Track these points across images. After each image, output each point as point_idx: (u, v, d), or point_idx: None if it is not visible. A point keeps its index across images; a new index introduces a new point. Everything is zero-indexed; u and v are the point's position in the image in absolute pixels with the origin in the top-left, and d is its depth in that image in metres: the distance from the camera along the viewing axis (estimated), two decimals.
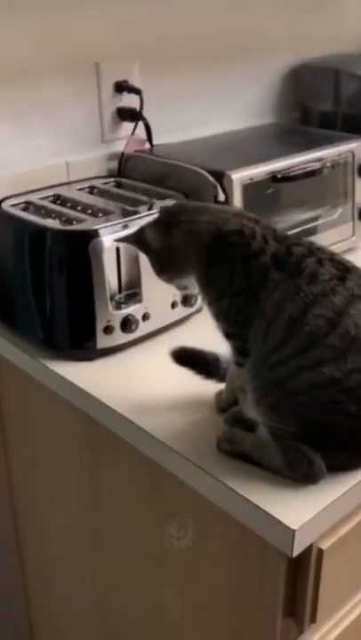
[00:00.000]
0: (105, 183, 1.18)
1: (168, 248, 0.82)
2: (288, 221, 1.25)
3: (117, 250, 0.97)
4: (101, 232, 0.96)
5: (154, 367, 0.98)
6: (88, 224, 0.99)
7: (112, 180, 1.20)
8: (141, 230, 0.84)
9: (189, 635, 0.96)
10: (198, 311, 1.08)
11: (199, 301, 1.07)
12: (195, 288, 0.84)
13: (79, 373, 0.97)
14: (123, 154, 1.24)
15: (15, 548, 1.32)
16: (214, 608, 0.89)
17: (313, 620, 0.81)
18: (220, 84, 1.40)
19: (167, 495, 0.89)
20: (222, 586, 0.86)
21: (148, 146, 1.27)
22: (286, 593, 0.78)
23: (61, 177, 1.18)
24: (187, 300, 1.07)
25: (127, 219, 0.99)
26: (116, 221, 0.98)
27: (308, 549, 0.75)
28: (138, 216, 1.00)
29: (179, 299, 1.06)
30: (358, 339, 0.71)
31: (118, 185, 1.19)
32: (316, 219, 1.29)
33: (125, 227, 0.97)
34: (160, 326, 1.05)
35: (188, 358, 0.89)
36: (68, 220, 1.03)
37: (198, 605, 0.91)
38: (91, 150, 1.23)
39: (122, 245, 0.96)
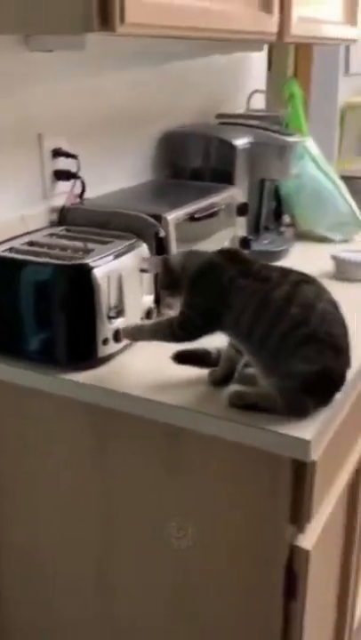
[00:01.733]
0: (60, 230, 1.43)
1: (179, 273, 1.16)
2: None
3: (108, 277, 1.23)
4: (95, 264, 1.22)
5: (144, 365, 1.25)
6: (81, 259, 1.24)
7: (62, 228, 1.46)
8: (167, 258, 1.20)
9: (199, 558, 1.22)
10: None
11: (155, 316, 1.37)
12: (177, 304, 1.18)
13: (88, 378, 1.22)
14: (64, 206, 1.50)
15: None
16: (228, 528, 1.17)
17: (308, 520, 1.13)
18: (110, 151, 1.72)
19: (184, 450, 1.16)
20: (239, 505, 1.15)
21: (78, 200, 1.55)
22: (291, 501, 1.10)
23: (19, 227, 1.42)
24: (148, 314, 1.36)
25: (110, 252, 1.27)
26: (104, 255, 1.25)
27: (310, 464, 1.07)
28: (120, 248, 1.29)
29: (144, 313, 1.35)
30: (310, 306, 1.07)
31: (69, 231, 1.44)
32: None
33: (115, 258, 1.25)
34: None
35: (187, 357, 1.21)
36: (59, 258, 1.27)
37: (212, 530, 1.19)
38: (36, 205, 1.48)
39: (112, 273, 1.24)
